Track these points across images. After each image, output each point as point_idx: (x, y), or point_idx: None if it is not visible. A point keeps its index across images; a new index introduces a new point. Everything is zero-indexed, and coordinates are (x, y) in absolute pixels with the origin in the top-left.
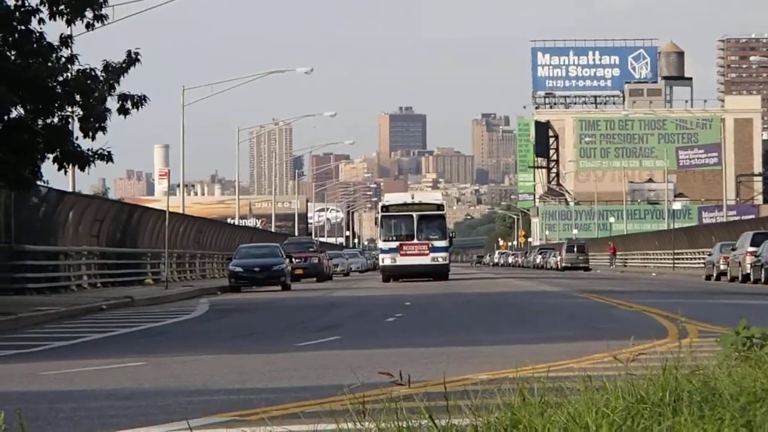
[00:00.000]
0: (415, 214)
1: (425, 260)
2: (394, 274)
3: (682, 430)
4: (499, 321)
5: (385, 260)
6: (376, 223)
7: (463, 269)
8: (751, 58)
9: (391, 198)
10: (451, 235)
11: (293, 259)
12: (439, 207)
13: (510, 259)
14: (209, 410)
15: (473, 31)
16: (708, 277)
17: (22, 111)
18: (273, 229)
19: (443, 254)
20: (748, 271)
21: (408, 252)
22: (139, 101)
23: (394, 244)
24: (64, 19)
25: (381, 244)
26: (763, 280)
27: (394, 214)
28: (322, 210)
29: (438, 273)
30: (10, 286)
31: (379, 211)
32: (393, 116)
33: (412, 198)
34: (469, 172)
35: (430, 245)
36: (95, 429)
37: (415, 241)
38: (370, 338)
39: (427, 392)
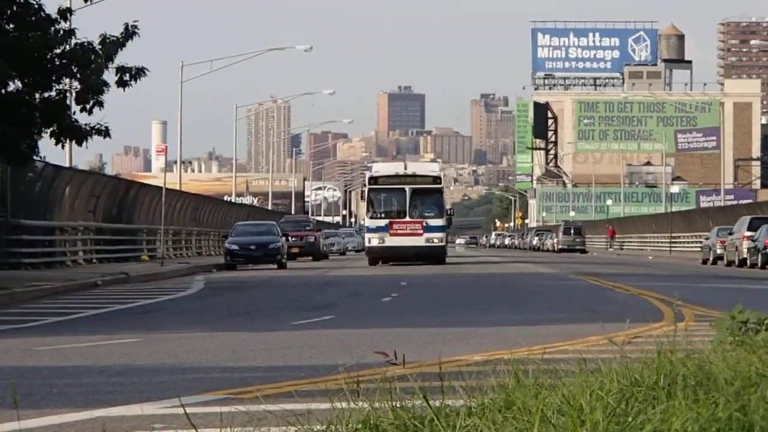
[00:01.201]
0: (407, 188)
1: (419, 241)
2: (382, 256)
3: (676, 413)
4: (495, 302)
5: (372, 240)
6: (362, 197)
7: (456, 250)
8: (752, 42)
9: (380, 168)
10: (449, 212)
11: (290, 238)
12: (436, 180)
13: (507, 241)
14: (203, 388)
15: (474, 10)
16: (704, 261)
17: (19, 84)
18: (270, 207)
19: (439, 234)
20: (745, 256)
21: (399, 231)
22: (137, 73)
23: (383, 222)
24: None
25: (368, 222)
26: (759, 264)
27: (383, 186)
28: (319, 189)
29: (433, 256)
30: (6, 260)
31: (366, 182)
32: (392, 95)
33: (405, 169)
34: (467, 153)
35: (424, 224)
36: (89, 405)
37: (408, 218)
38: (366, 318)
39: (422, 372)
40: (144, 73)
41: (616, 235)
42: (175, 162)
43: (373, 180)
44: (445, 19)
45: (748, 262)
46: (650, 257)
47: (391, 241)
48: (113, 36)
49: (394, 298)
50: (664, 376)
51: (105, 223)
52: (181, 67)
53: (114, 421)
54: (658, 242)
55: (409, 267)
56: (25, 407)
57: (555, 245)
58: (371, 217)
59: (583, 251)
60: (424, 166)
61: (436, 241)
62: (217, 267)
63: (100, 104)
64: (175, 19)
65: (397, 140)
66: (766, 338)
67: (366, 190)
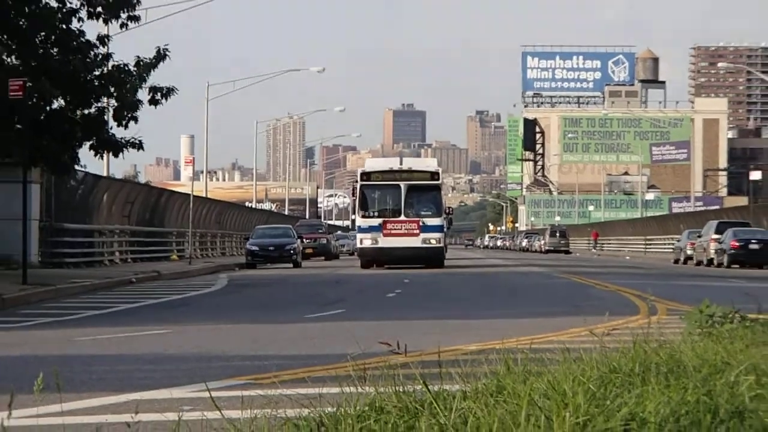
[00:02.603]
0: (402, 185)
1: (415, 242)
2: (375, 258)
3: (649, 397)
4: (488, 297)
5: (364, 241)
6: (353, 193)
7: (458, 251)
8: (719, 65)
9: (374, 164)
10: (448, 211)
11: (304, 240)
12: (434, 176)
13: (499, 243)
14: (226, 374)
15: (470, 36)
16: (676, 261)
17: (62, 102)
18: (286, 212)
19: (437, 235)
20: (712, 256)
21: (393, 231)
22: (167, 92)
23: (376, 222)
24: (101, 19)
25: (359, 221)
26: (725, 264)
27: (376, 183)
28: (331, 196)
29: (430, 258)
30: (50, 260)
31: (358, 178)
32: (396, 112)
33: (401, 164)
34: (463, 164)
35: (420, 223)
36: (124, 389)
37: (403, 217)
38: (372, 311)
39: (422, 360)
40: (174, 92)
41: (599, 238)
42: (202, 172)
43: (365, 176)
44: (444, 43)
45: (715, 261)
46: (628, 257)
47: (385, 242)
48: (146, 58)
49: (398, 294)
50: (639, 364)
51: (139, 226)
52: (207, 87)
53: (146, 404)
54: (634, 244)
55: (409, 267)
56: (67, 391)
57: (542, 247)
58: (363, 216)
59: (567, 252)
60: (421, 161)
61: (433, 242)
62: (239, 266)
63: (135, 120)
64: (203, 40)
65: (401, 152)
66: (730, 330)
67: (357, 186)
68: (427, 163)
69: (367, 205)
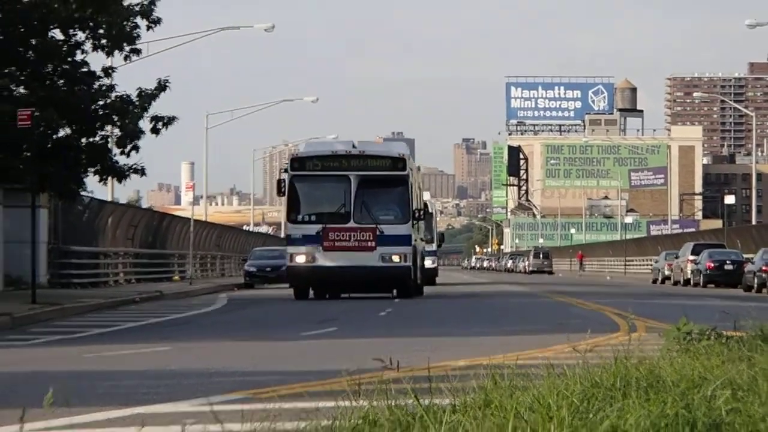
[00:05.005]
0: (352, 176)
1: (369, 259)
2: (311, 283)
3: (630, 410)
4: (475, 316)
5: (296, 258)
6: (279, 189)
7: (446, 271)
8: (694, 94)
9: (312, 148)
10: (417, 215)
11: None
12: (398, 164)
13: (485, 264)
14: (227, 389)
15: (456, 67)
16: (654, 281)
17: (68, 131)
18: (282, 235)
19: (401, 250)
20: (689, 276)
21: (338, 244)
22: (168, 121)
23: (313, 230)
24: (105, 51)
25: (291, 229)
26: (701, 284)
27: (314, 174)
28: None
29: (391, 283)
30: (58, 280)
31: (288, 167)
32: (386, 139)
33: (354, 147)
34: (451, 189)
35: (377, 232)
36: (129, 403)
37: (352, 223)
38: (365, 329)
39: (413, 376)
40: (174, 121)
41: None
42: (202, 197)
43: (298, 162)
44: (432, 74)
45: (692, 281)
46: (608, 277)
47: (326, 260)
48: (148, 89)
49: (389, 313)
50: (620, 379)
51: (142, 248)
52: (206, 117)
53: (151, 417)
54: (614, 265)
55: (363, 296)
56: (75, 405)
57: (526, 267)
58: (294, 222)
59: (550, 272)
60: (384, 145)
61: (396, 259)
62: (238, 286)
63: (137, 148)
64: (201, 71)
65: None
66: (707, 346)
67: (286, 178)
68: (390, 147)
69: (300, 205)
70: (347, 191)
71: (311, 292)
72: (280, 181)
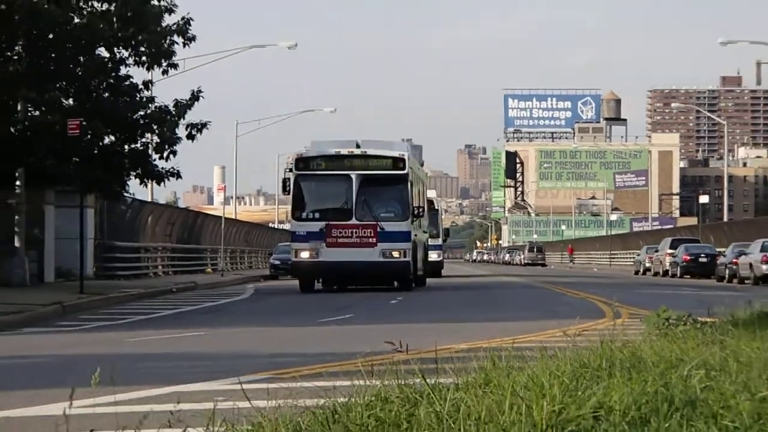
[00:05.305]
0: (354, 175)
1: (370, 254)
2: (317, 276)
3: (615, 388)
4: (477, 304)
5: (301, 253)
6: (284, 188)
7: (450, 264)
8: (672, 105)
9: (316, 147)
10: (417, 212)
11: None
12: (399, 163)
13: (485, 257)
14: (254, 370)
15: (460, 80)
16: (636, 272)
17: (113, 138)
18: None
19: (401, 246)
20: (668, 268)
21: (340, 240)
22: (202, 126)
23: (317, 227)
24: (145, 66)
25: (295, 226)
26: (678, 275)
27: (317, 173)
28: None
29: (392, 277)
30: (103, 273)
31: (293, 167)
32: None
33: (357, 147)
34: (454, 190)
35: (378, 229)
36: (167, 382)
37: (354, 221)
38: (378, 316)
39: (421, 358)
40: (207, 125)
41: (574, 253)
42: (232, 197)
43: (302, 162)
44: (440, 87)
45: (670, 273)
46: (595, 269)
47: (329, 255)
48: (183, 100)
49: (400, 301)
50: (606, 360)
51: (178, 244)
52: (236, 125)
53: (186, 395)
54: (601, 258)
55: (365, 288)
56: (118, 384)
57: (522, 260)
58: (299, 219)
59: (544, 265)
60: (384, 145)
61: (396, 254)
62: (264, 278)
63: (174, 153)
64: (231, 83)
65: None
66: (684, 331)
67: (291, 177)
68: (391, 146)
69: (304, 203)
70: (349, 190)
71: (317, 283)
72: (285, 180)
